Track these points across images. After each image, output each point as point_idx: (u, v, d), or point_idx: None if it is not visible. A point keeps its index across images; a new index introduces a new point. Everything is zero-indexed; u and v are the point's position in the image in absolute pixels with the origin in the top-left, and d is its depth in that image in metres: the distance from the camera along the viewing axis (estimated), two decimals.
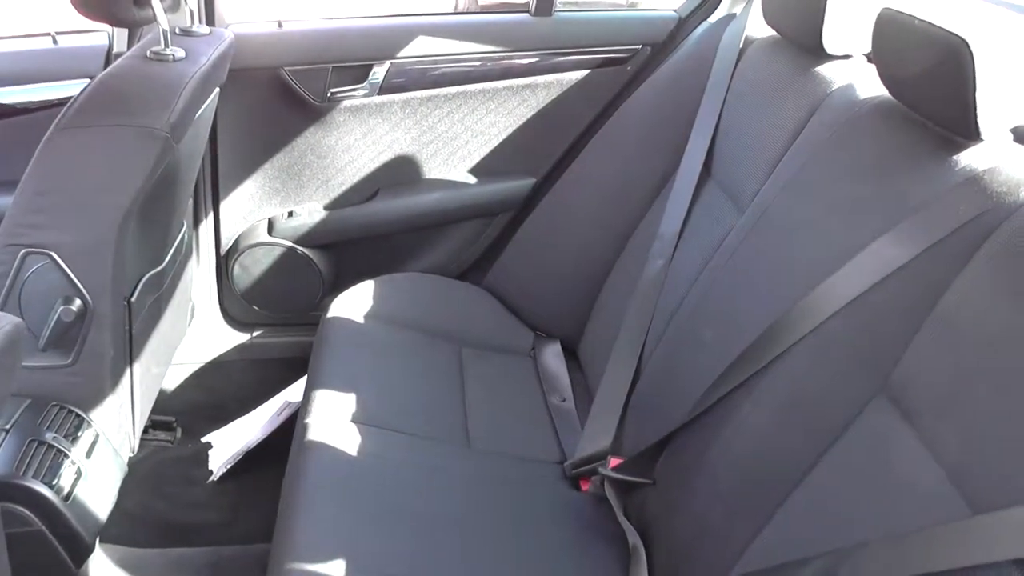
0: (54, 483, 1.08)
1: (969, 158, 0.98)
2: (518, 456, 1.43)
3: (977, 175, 0.95)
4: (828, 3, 1.25)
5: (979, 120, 0.95)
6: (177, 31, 1.33)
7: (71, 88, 1.59)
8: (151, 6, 1.14)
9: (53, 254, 1.12)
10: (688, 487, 1.17)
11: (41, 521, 1.07)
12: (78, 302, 1.15)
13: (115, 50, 1.55)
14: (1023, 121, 1.01)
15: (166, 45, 1.20)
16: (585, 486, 1.38)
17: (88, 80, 1.59)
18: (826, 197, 1.15)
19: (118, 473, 1.23)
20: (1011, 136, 1.01)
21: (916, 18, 1.01)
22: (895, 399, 0.93)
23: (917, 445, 0.88)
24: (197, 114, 1.23)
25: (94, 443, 1.17)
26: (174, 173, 1.25)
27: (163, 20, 1.17)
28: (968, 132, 0.98)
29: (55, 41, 1.60)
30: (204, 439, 1.79)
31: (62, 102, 1.59)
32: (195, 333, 1.84)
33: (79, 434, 1.15)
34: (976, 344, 0.86)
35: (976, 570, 0.74)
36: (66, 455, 1.11)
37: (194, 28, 1.34)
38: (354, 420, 1.35)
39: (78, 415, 1.17)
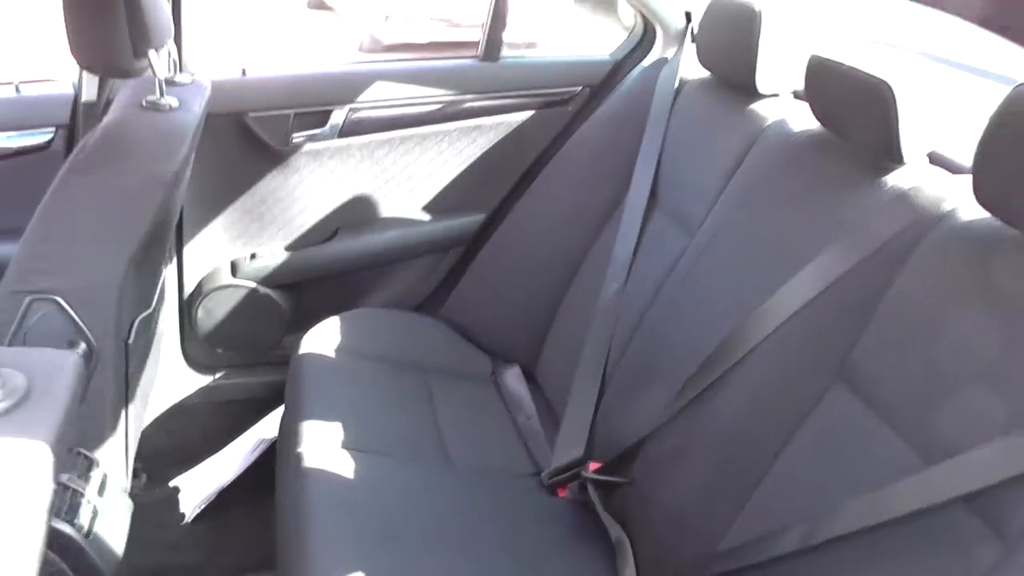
0: (75, 522, 1.10)
1: (896, 179, 1.15)
2: (496, 470, 1.53)
3: (904, 193, 1.12)
4: (759, 49, 1.42)
5: (902, 147, 1.13)
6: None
7: (37, 137, 1.62)
8: (147, 57, 1.20)
9: (58, 299, 1.15)
10: (666, 482, 1.30)
11: (64, 560, 1.09)
12: (83, 346, 1.18)
13: (84, 99, 1.59)
14: (936, 147, 1.20)
15: (162, 95, 1.26)
16: (562, 493, 1.49)
17: (54, 128, 1.63)
18: (772, 219, 1.31)
19: (127, 510, 1.26)
20: (927, 159, 1.19)
21: (843, 64, 1.19)
22: (851, 383, 1.08)
23: (874, 418, 1.03)
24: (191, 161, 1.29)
25: (103, 482, 1.20)
26: (169, 218, 1.31)
27: (160, 71, 1.23)
28: (893, 157, 1.15)
29: (18, 90, 1.62)
30: (172, 483, 1.80)
31: (26, 150, 1.63)
32: (157, 378, 1.85)
33: (90, 474, 1.18)
34: (916, 332, 1.02)
35: (931, 510, 0.89)
36: (82, 494, 1.14)
37: (176, 78, 1.40)
38: (344, 447, 1.41)
39: (86, 456, 1.20)
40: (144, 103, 1.25)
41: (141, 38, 1.15)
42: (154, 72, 1.23)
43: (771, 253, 1.28)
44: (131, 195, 1.16)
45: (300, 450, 1.39)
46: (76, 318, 1.17)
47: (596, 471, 1.43)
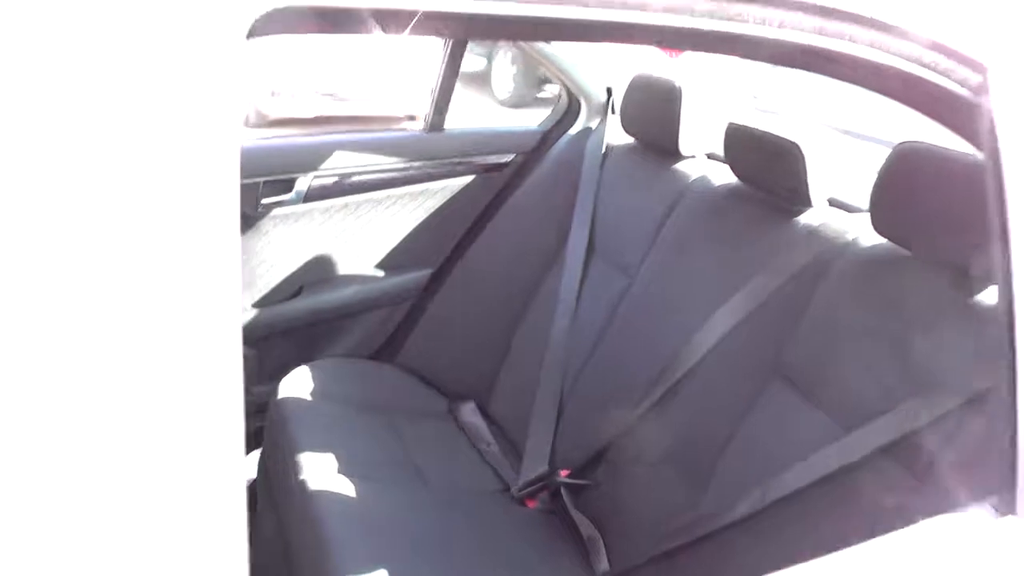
0: None
1: (806, 219, 1.45)
2: (470, 490, 1.72)
3: (815, 228, 1.41)
4: (681, 118, 1.71)
5: (810, 193, 1.43)
6: None
7: None
8: None
9: None
10: (630, 479, 1.53)
11: None
12: None
13: None
14: (834, 194, 1.51)
15: None
16: (531, 504, 1.70)
17: None
18: (704, 257, 1.58)
19: None
20: (827, 203, 1.50)
21: (757, 128, 1.49)
22: (785, 378, 1.34)
23: (805, 403, 1.29)
24: None
25: None
26: None
27: None
28: (802, 202, 1.45)
29: None
30: None
31: None
32: None
33: None
34: (835, 334, 1.29)
35: (857, 464, 1.15)
36: None
37: None
38: (339, 473, 1.57)
39: None
40: None
41: None
42: None
43: (705, 285, 1.55)
44: None
45: (303, 477, 1.54)
46: None
47: (566, 477, 1.64)
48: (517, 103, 7.75)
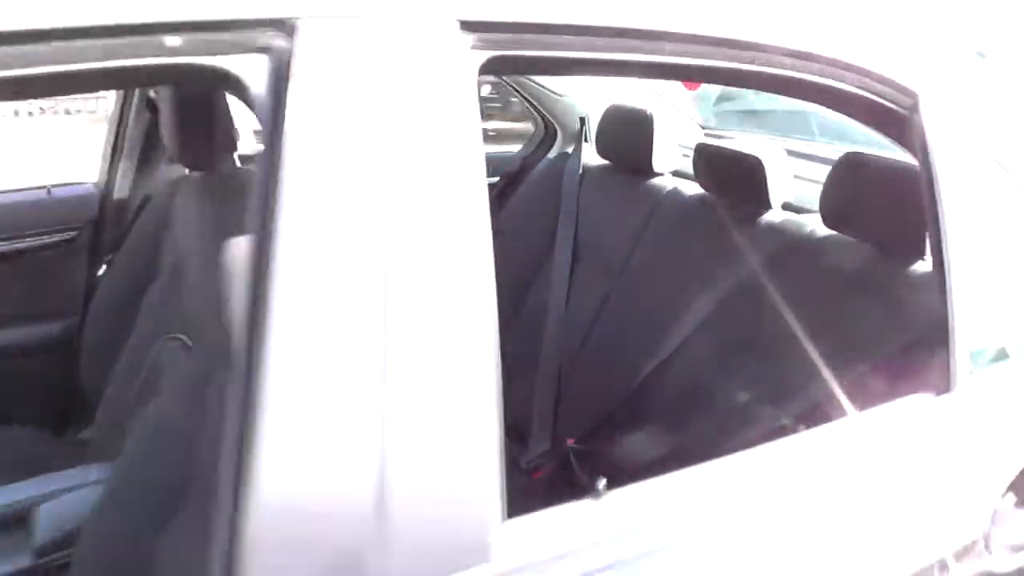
0: None
1: (767, 218, 1.75)
2: None
3: (776, 224, 1.71)
4: (655, 141, 2.00)
5: (771, 199, 1.73)
6: None
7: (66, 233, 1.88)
8: (231, 155, 1.57)
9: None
10: (629, 442, 1.78)
11: None
12: None
13: (116, 196, 1.88)
14: (787, 198, 1.81)
15: None
16: (536, 475, 1.94)
17: (82, 224, 1.90)
18: (682, 256, 1.86)
19: None
20: (782, 205, 1.80)
21: (722, 147, 1.79)
22: (758, 346, 1.62)
23: (776, 368, 1.57)
24: None
25: None
26: None
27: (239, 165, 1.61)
28: (764, 206, 1.75)
29: (50, 192, 1.88)
30: None
31: (56, 245, 1.88)
32: None
33: None
34: (798, 307, 1.58)
35: (820, 406, 1.43)
36: None
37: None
38: None
39: None
40: None
41: (229, 142, 1.54)
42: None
43: (684, 278, 1.82)
44: None
45: None
46: None
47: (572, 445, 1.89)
48: None
